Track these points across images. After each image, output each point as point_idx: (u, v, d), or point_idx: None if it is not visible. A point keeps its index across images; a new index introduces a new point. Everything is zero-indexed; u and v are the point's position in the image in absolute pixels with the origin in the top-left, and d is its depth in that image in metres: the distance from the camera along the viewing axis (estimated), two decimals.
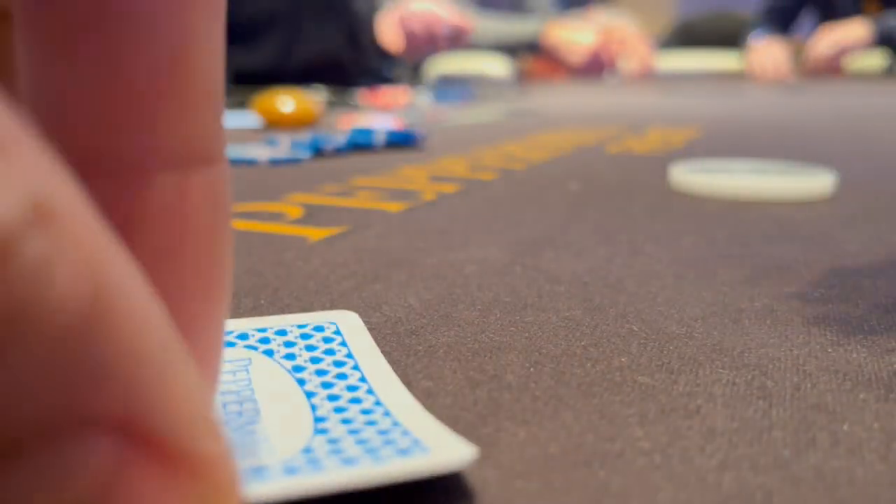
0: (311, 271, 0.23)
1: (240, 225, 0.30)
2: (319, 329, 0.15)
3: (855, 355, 0.17)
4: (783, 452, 0.12)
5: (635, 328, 0.18)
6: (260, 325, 0.15)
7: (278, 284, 0.22)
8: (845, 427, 0.13)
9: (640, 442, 0.13)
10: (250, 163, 0.46)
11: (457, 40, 1.24)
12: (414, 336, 0.18)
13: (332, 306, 0.20)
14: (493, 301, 0.20)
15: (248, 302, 0.20)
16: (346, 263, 0.24)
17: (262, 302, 0.20)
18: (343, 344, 0.15)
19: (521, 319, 0.19)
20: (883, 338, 0.18)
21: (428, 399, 0.14)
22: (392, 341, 0.17)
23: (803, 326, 0.18)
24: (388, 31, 1.18)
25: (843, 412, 0.14)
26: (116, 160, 0.09)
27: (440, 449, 0.11)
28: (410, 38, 1.18)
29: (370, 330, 0.18)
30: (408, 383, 0.15)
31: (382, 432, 0.12)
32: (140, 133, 0.09)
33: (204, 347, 0.10)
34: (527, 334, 0.18)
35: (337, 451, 0.11)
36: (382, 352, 0.17)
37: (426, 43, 1.20)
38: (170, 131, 0.09)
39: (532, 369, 0.16)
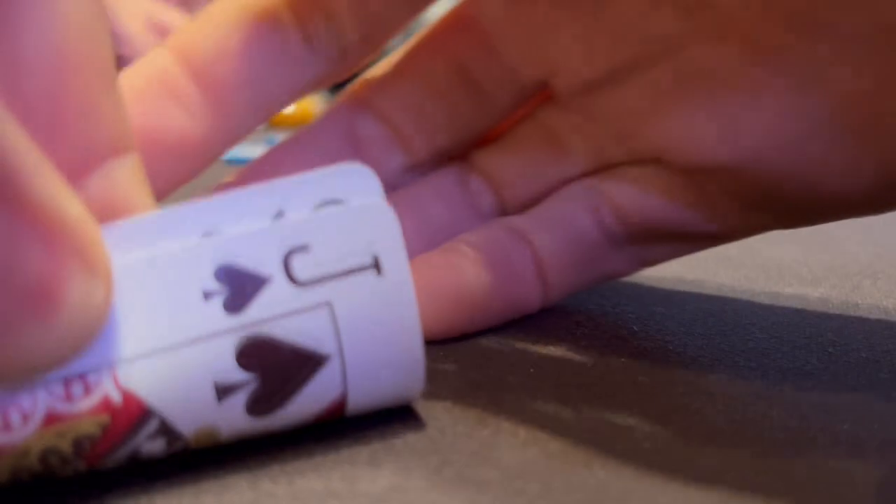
0: None
1: None
2: None
3: (855, 355, 0.17)
4: (783, 452, 0.12)
5: (635, 328, 0.18)
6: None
7: None
8: (845, 427, 0.13)
9: (640, 442, 0.13)
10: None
11: None
12: None
13: None
14: None
15: None
16: None
17: None
18: None
19: (521, 320, 0.19)
20: (883, 338, 0.18)
21: (428, 400, 0.14)
22: None
23: (803, 327, 0.18)
24: None
25: (843, 412, 0.14)
26: None
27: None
28: None
29: None
30: None
31: None
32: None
33: None
34: (527, 335, 0.18)
35: None
36: None
37: None
38: (62, 134, 0.10)
39: (532, 370, 0.16)
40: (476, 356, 0.16)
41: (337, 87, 0.19)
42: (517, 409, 0.14)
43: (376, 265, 0.12)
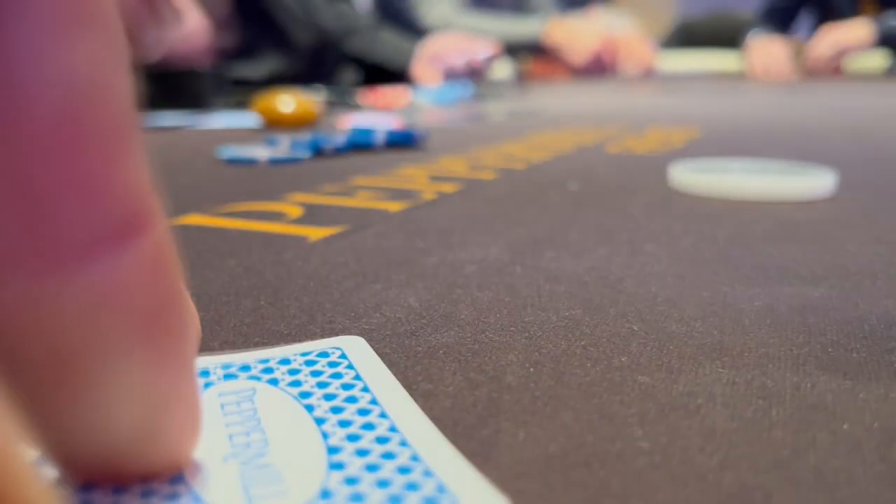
0: (311, 271, 0.23)
1: (240, 224, 0.30)
2: (324, 355, 0.15)
3: (855, 355, 0.17)
4: (783, 452, 0.12)
5: (635, 328, 0.18)
6: (262, 357, 0.15)
7: (278, 284, 0.22)
8: (845, 427, 0.13)
9: (640, 442, 0.13)
10: (250, 163, 0.46)
11: (488, 64, 1.28)
12: (414, 337, 0.18)
13: (333, 306, 0.20)
14: (493, 301, 0.20)
15: (248, 303, 0.20)
16: (346, 263, 0.24)
17: (262, 303, 0.20)
18: (350, 367, 0.14)
19: (521, 319, 0.19)
20: (883, 338, 0.18)
21: (428, 401, 0.14)
22: (392, 342, 0.17)
23: (803, 326, 0.18)
24: (424, 68, 1.21)
25: (843, 412, 0.14)
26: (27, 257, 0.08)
27: (469, 498, 0.11)
28: (450, 72, 1.21)
29: (370, 330, 0.18)
30: (408, 385, 0.15)
31: (403, 470, 0.11)
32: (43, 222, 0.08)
33: (181, 395, 0.10)
34: (527, 334, 0.18)
35: (357, 498, 0.11)
36: (381, 354, 0.17)
37: (466, 75, 1.23)
38: (80, 209, 0.09)
39: (532, 369, 0.16)
40: (476, 356, 0.16)
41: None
42: (517, 410, 0.14)
43: None
